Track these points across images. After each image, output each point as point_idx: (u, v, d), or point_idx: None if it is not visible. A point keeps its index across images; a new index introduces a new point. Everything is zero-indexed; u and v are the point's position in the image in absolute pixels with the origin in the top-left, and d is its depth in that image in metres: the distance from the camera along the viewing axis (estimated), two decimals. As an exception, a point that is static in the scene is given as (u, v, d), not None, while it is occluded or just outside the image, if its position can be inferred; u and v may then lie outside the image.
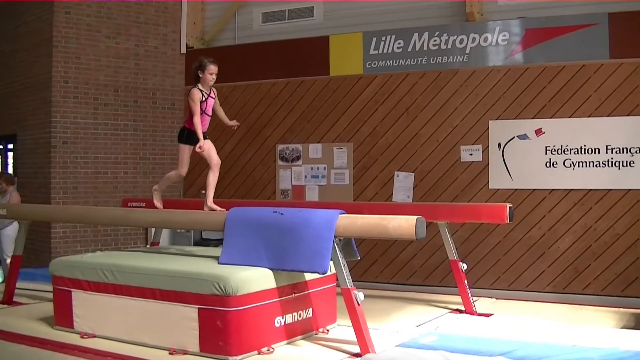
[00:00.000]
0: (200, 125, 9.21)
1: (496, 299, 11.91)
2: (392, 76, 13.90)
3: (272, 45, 15.14)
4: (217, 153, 15.13)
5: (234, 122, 10.09)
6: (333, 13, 14.94)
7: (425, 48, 13.66)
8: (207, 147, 9.41)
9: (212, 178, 9.60)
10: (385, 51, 13.97)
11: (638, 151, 12.19)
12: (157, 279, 7.96)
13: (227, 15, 15.93)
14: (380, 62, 14.00)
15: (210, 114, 9.54)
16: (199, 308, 7.66)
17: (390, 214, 7.98)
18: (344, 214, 7.88)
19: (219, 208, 9.29)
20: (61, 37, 14.58)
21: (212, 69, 9.29)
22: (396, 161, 13.80)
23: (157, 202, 10.00)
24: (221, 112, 9.89)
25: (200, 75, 9.29)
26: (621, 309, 10.95)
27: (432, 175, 13.54)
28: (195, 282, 7.69)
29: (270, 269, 8.01)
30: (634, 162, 12.22)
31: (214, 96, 9.52)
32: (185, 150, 9.62)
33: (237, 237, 8.28)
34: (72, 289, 8.60)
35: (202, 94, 9.30)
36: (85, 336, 8.37)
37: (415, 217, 7.40)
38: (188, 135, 9.44)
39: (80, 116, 14.80)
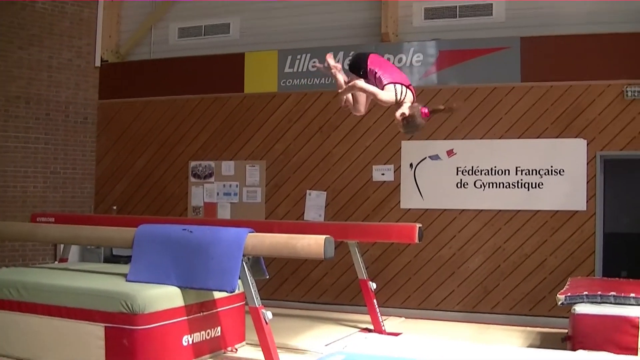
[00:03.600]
0: None
1: (405, 318, 12.01)
2: (306, 95, 13.94)
3: (187, 60, 15.07)
4: (129, 169, 15.15)
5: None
6: (249, 30, 14.92)
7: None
8: None
9: None
10: (300, 70, 14.01)
11: (547, 173, 12.43)
12: (64, 296, 7.85)
13: (143, 29, 15.80)
14: (295, 80, 14.03)
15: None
16: (105, 326, 7.58)
17: (300, 233, 8.01)
18: (252, 232, 7.88)
19: None
20: (-29, 46, 14.33)
21: None
22: (308, 180, 13.84)
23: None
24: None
25: None
26: (528, 328, 11.14)
27: (344, 194, 13.60)
28: (102, 299, 7.61)
29: (178, 287, 7.97)
30: (542, 184, 12.44)
31: None
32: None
33: (146, 254, 8.22)
34: (-25, 306, 8.44)
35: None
36: (-12, 355, 8.21)
37: (324, 236, 7.43)
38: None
39: (-11, 128, 14.53)
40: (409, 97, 8.53)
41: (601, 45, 12.30)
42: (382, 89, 8.48)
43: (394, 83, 8.50)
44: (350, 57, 8.60)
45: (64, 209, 15.13)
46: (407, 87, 8.55)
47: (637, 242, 14.36)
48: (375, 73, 8.64)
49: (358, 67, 8.82)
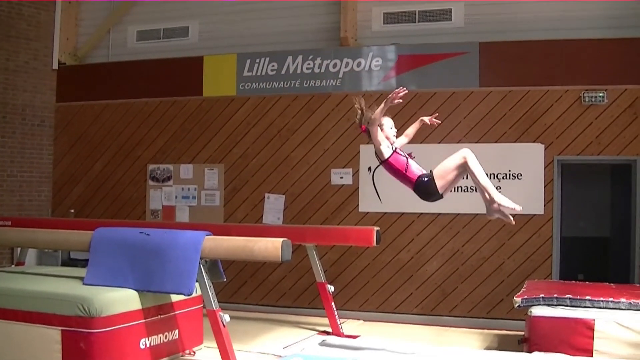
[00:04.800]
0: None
1: (364, 320, 12.06)
2: (265, 98, 13.93)
3: (145, 64, 15.00)
4: (87, 172, 15.00)
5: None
6: (208, 34, 14.90)
7: (298, 71, 13.74)
8: None
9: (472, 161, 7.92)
10: (258, 73, 13.99)
11: (505, 177, 12.53)
12: (20, 300, 7.76)
13: (101, 32, 15.70)
14: (254, 84, 14.01)
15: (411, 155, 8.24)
16: (62, 330, 7.51)
17: (258, 236, 8.02)
18: (210, 235, 7.87)
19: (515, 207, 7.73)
20: None
21: (387, 122, 8.27)
22: (267, 183, 13.84)
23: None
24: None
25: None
26: (486, 331, 11.23)
27: (302, 197, 13.61)
28: (59, 303, 7.54)
29: (135, 290, 7.93)
30: (500, 188, 12.44)
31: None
32: (440, 173, 7.96)
33: (103, 257, 8.17)
34: None
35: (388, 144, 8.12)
36: (-59, 359, 8.11)
37: (281, 239, 7.44)
38: (426, 176, 8.00)
39: (-56, 131, 14.37)
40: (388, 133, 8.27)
41: (559, 51, 12.43)
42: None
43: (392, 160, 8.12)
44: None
45: (21, 213, 14.99)
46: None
47: (594, 246, 14.50)
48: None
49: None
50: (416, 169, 8.09)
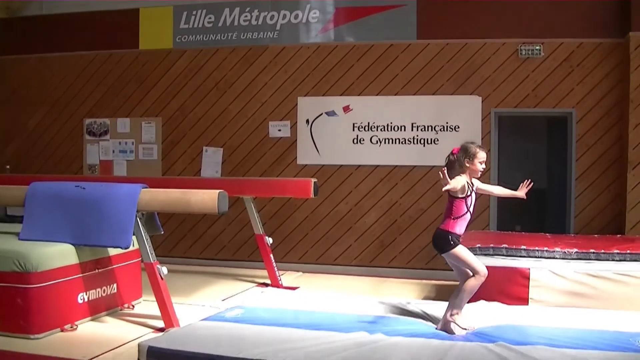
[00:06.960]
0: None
1: (303, 272, 12.14)
2: (202, 51, 13.80)
3: (80, 16, 14.70)
4: (22, 127, 14.77)
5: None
6: (144, -15, 14.71)
7: (235, 23, 13.62)
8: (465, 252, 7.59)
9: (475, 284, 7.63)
10: (195, 26, 13.85)
11: (442, 129, 12.59)
12: (-46, 256, 7.70)
13: (34, -16, 15.45)
14: (191, 36, 13.87)
15: (472, 212, 7.69)
16: (-2, 286, 7.49)
17: (197, 189, 7.99)
18: (146, 188, 7.84)
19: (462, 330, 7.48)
20: None
21: (483, 156, 7.58)
22: (205, 136, 13.75)
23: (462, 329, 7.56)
24: (499, 190, 8.29)
25: (468, 165, 7.53)
26: (424, 281, 11.41)
27: (240, 150, 13.55)
28: (-6, 259, 7.50)
29: (72, 244, 7.91)
30: (438, 140, 12.59)
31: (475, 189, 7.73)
32: (462, 251, 7.57)
33: (39, 212, 8.13)
34: None
35: (467, 187, 7.50)
36: None
37: (218, 191, 7.45)
38: (455, 238, 7.52)
39: None
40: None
41: (497, 4, 12.45)
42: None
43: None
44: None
45: (-45, 170, 14.79)
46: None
47: (531, 197, 14.64)
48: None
49: None
50: (460, 226, 7.60)
